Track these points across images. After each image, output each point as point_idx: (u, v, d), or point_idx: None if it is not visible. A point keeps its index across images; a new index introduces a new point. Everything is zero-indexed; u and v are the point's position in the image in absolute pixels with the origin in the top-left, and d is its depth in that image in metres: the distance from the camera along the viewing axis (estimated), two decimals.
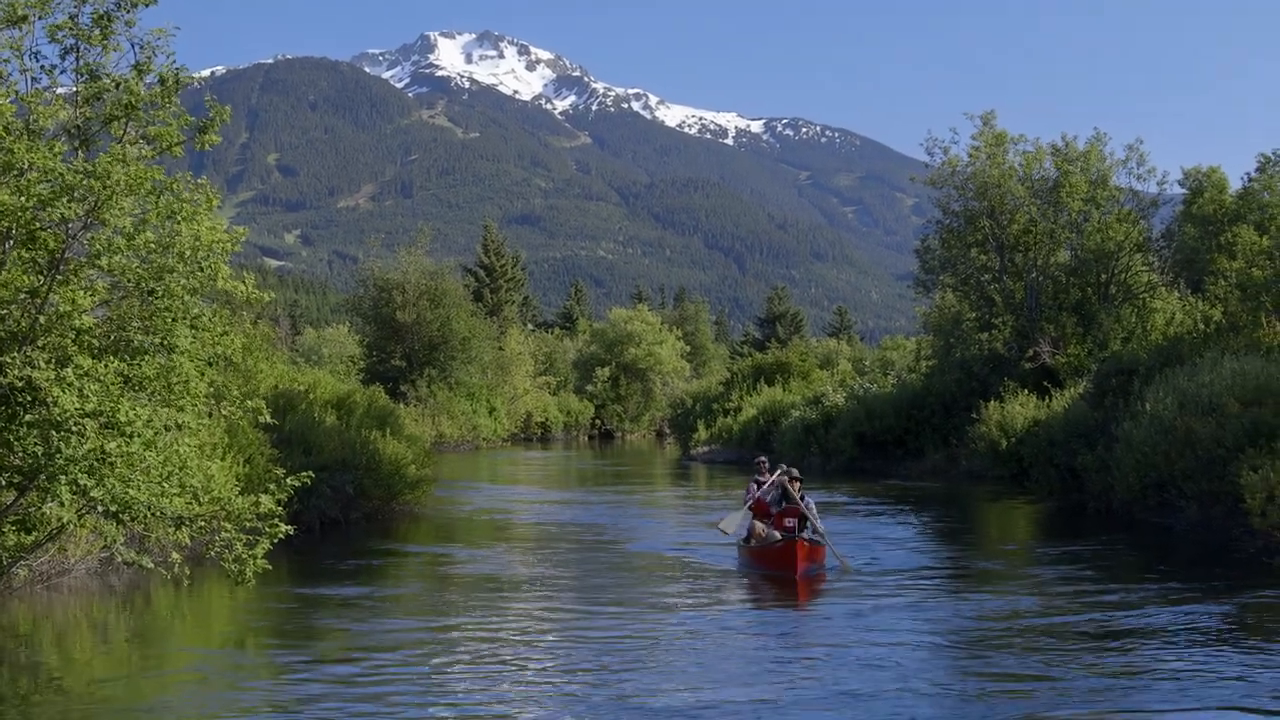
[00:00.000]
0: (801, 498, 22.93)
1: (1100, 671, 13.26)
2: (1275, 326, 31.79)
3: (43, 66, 17.46)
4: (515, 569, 22.71)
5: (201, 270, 17.13)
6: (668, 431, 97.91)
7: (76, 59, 17.36)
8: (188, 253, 16.94)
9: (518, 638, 15.99)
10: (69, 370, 16.15)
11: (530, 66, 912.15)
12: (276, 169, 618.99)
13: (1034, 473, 34.74)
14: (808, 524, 22.71)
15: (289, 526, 18.16)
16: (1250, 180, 51.16)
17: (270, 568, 18.29)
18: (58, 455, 15.84)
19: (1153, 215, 49.75)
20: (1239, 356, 27.75)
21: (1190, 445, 24.91)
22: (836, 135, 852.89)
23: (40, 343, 16.70)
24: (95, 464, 16.06)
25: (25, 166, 16.44)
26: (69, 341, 16.68)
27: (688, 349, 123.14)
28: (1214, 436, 24.33)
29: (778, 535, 22.25)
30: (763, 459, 26.17)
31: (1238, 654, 14.21)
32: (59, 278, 16.78)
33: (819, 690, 12.95)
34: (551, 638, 15.95)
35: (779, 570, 21.23)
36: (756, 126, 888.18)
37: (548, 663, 14.42)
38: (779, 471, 23.59)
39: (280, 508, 18.17)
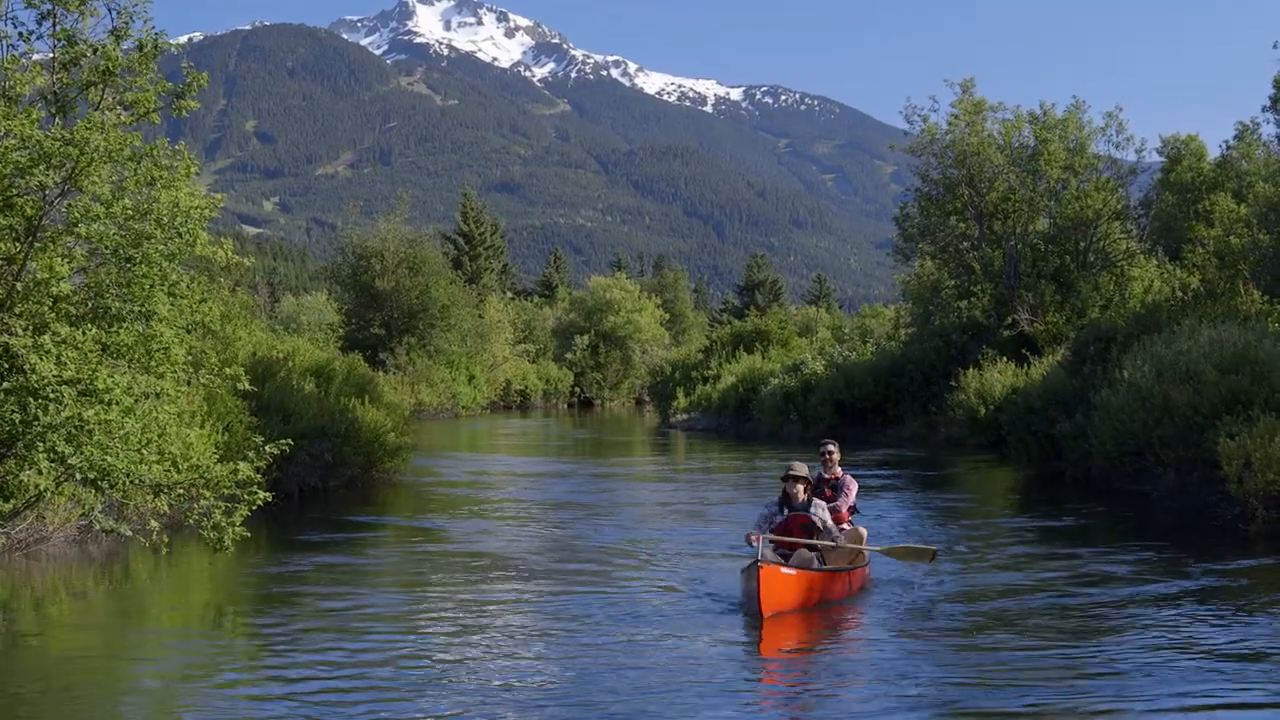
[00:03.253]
0: (808, 502, 16.82)
1: (1085, 653, 13.15)
2: (1253, 294, 31.85)
3: (19, 32, 17.39)
4: (493, 541, 22.56)
5: (180, 236, 17.09)
6: (647, 399, 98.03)
7: (53, 24, 17.28)
8: (166, 219, 16.89)
9: (495, 612, 15.93)
10: (47, 337, 16.13)
11: (509, 33, 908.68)
12: (254, 136, 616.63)
13: (1012, 440, 34.78)
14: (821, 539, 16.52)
15: (267, 494, 18.17)
16: (1229, 148, 51.32)
17: (249, 535, 18.30)
18: (35, 422, 15.82)
19: (1131, 183, 49.85)
20: (1217, 324, 27.78)
21: (1168, 413, 24.95)
22: (816, 103, 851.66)
23: (18, 310, 16.68)
24: (73, 431, 16.05)
25: (1, 133, 16.38)
26: (47, 308, 16.67)
27: (667, 317, 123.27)
28: (1191, 404, 24.37)
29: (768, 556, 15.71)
30: (831, 447, 19.08)
31: (1217, 629, 14.23)
32: (36, 245, 16.73)
33: (797, 683, 12.83)
34: (526, 614, 15.84)
35: (749, 605, 15.15)
36: (735, 94, 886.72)
37: (521, 639, 14.37)
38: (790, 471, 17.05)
39: (259, 475, 18.18)
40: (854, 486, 18.52)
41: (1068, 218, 46.91)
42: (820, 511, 16.77)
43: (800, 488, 16.84)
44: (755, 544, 15.41)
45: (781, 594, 14.91)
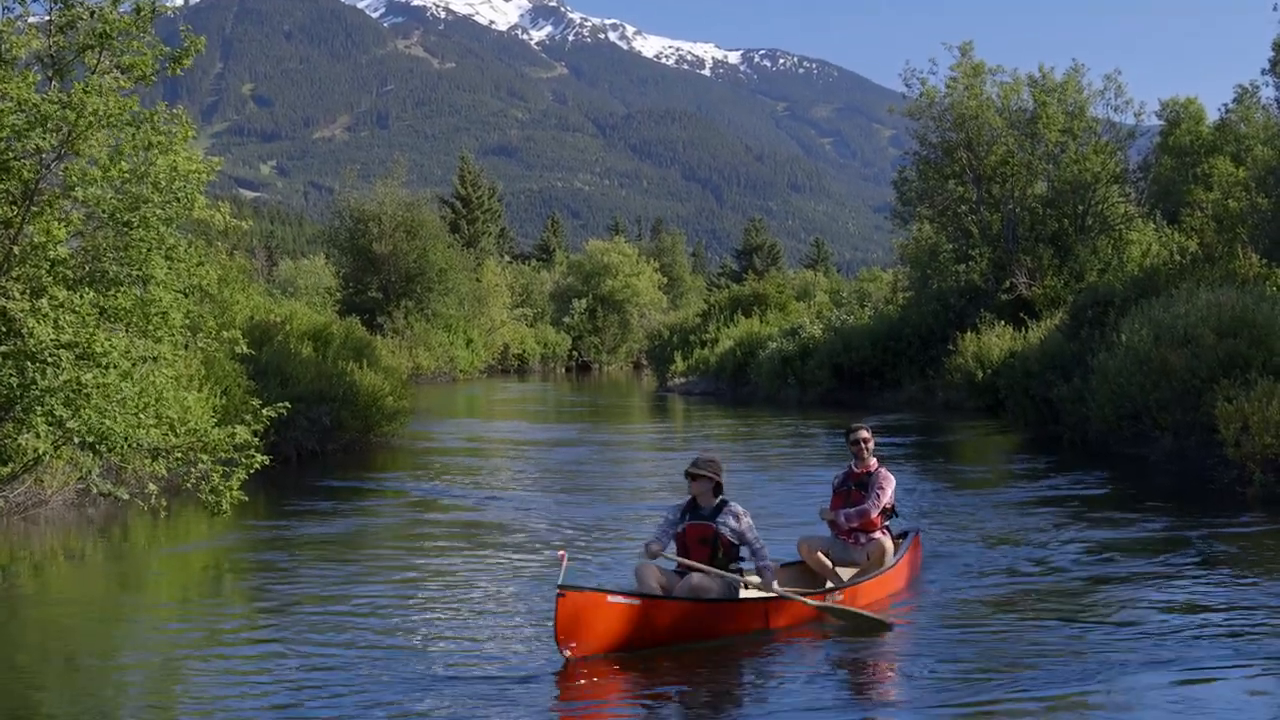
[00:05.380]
0: (719, 506, 12.77)
1: (1082, 625, 12.87)
2: (1251, 258, 31.84)
3: None
4: (486, 511, 22.31)
5: (177, 200, 17.07)
6: (645, 363, 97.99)
7: None
8: (163, 182, 16.86)
9: (487, 582, 15.90)
10: (44, 301, 16.12)
11: None
12: (252, 99, 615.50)
13: (1010, 404, 34.82)
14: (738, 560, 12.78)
15: (265, 457, 18.18)
16: (1227, 111, 51.30)
17: (246, 499, 18.31)
18: (33, 386, 15.83)
19: (1130, 146, 49.82)
20: (1215, 288, 27.79)
21: (1165, 376, 24.96)
22: (814, 66, 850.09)
23: (15, 274, 16.66)
24: (71, 395, 16.06)
25: None
26: (44, 272, 16.65)
27: (665, 281, 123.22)
28: (1189, 367, 24.38)
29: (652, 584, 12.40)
30: (864, 434, 15.08)
31: (1218, 594, 14.20)
32: (33, 208, 16.71)
33: (786, 672, 11.99)
34: (513, 587, 15.73)
35: None
36: (734, 57, 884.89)
37: (517, 606, 14.37)
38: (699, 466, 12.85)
39: (257, 439, 18.19)
40: (890, 484, 14.82)
41: (1066, 181, 46.84)
42: (733, 523, 12.63)
43: (708, 488, 12.76)
44: (563, 563, 11.70)
45: (594, 629, 11.36)
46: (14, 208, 16.71)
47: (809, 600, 12.77)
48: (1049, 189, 47.87)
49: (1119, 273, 41.57)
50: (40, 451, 17.30)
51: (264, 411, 18.41)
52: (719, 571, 12.39)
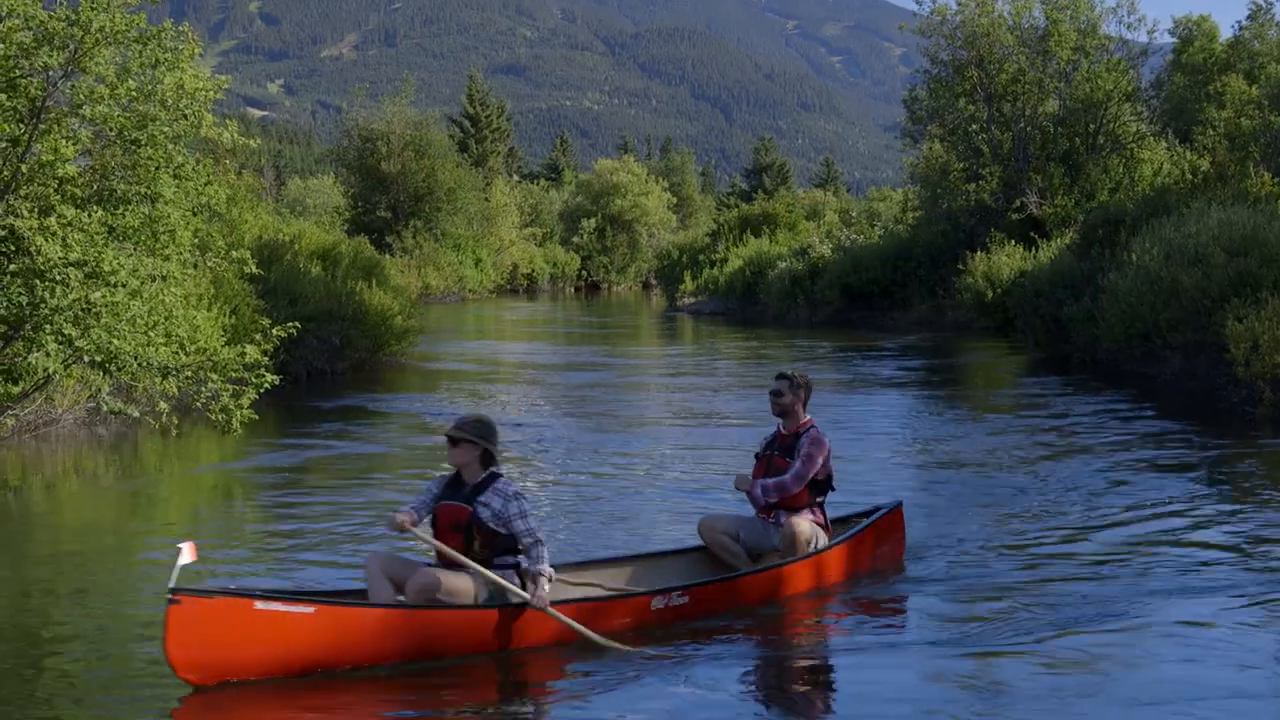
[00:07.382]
0: (485, 482, 9.58)
1: (1102, 565, 12.17)
2: (1263, 177, 31.72)
3: None
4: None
5: (185, 118, 17.02)
6: (654, 283, 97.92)
7: None
8: (170, 101, 16.82)
9: None
10: (53, 219, 16.11)
11: None
12: (259, 17, 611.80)
13: (1020, 324, 34.74)
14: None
15: (275, 377, 18.22)
16: (1241, 29, 50.96)
17: (257, 418, 18.34)
18: (43, 305, 15.85)
19: (1142, 64, 49.52)
20: (1226, 207, 27.68)
21: (1176, 296, 24.91)
22: None
23: (23, 192, 16.65)
24: (80, 314, 16.08)
25: (4, 13, 16.27)
26: (52, 190, 16.63)
27: (674, 200, 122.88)
28: (1200, 287, 24.32)
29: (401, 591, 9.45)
30: (780, 386, 11.56)
31: (1231, 520, 14.23)
32: (41, 126, 16.67)
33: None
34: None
35: None
36: None
37: None
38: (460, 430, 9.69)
39: (266, 358, 18.22)
40: (821, 449, 11.29)
41: (1077, 100, 46.62)
42: (498, 504, 9.48)
43: (473, 458, 9.66)
44: (179, 557, 8.76)
45: (236, 648, 8.55)
46: (22, 126, 16.67)
47: (574, 625, 9.42)
48: (1060, 107, 47.64)
49: (1130, 192, 41.46)
50: (50, 370, 17.34)
51: (274, 331, 18.44)
52: (484, 571, 9.37)
